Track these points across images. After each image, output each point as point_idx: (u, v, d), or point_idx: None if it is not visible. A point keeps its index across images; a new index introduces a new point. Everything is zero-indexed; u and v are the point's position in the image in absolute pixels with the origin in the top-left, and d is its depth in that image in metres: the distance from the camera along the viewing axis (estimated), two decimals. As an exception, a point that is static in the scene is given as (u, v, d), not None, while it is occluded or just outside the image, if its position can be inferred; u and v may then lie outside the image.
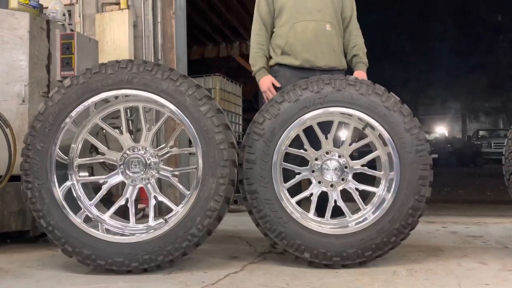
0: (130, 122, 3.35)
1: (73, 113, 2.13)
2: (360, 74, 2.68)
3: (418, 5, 23.50)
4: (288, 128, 2.17)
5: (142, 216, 3.56)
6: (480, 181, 10.95)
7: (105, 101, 2.20)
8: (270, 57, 2.72)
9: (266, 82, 2.62)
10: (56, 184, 2.11)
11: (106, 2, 4.25)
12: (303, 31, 2.58)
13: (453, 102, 26.85)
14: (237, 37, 8.72)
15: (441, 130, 33.24)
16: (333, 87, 2.16)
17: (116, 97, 2.18)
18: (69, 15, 4.43)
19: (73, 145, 2.22)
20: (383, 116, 2.13)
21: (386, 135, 2.15)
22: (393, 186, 2.14)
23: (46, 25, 3.05)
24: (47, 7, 3.40)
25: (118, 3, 4.18)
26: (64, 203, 2.11)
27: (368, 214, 2.18)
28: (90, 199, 2.23)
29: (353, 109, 2.16)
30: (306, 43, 2.57)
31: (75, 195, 2.19)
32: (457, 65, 23.21)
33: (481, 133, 20.72)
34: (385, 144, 2.18)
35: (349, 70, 2.76)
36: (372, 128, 2.18)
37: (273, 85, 2.61)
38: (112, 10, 4.16)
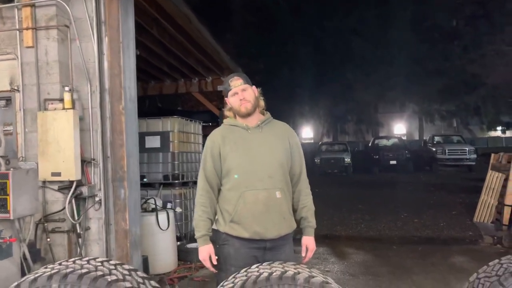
0: None
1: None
2: (309, 239, 2.66)
3: (378, 12, 23.88)
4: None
5: None
6: (434, 199, 11.87)
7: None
8: (217, 219, 2.63)
9: (204, 252, 2.56)
10: None
11: (48, 98, 3.95)
12: (254, 202, 2.49)
13: (411, 105, 27.74)
14: (195, 74, 8.49)
15: (399, 128, 34.53)
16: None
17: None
18: (9, 101, 4.12)
19: None
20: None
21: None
22: None
23: (-23, 168, 2.82)
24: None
25: (62, 100, 3.91)
26: None
27: None
28: None
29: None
30: (257, 214, 2.50)
31: None
32: (415, 70, 23.84)
33: (436, 138, 21.54)
34: None
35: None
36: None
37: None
38: (55, 109, 3.87)
